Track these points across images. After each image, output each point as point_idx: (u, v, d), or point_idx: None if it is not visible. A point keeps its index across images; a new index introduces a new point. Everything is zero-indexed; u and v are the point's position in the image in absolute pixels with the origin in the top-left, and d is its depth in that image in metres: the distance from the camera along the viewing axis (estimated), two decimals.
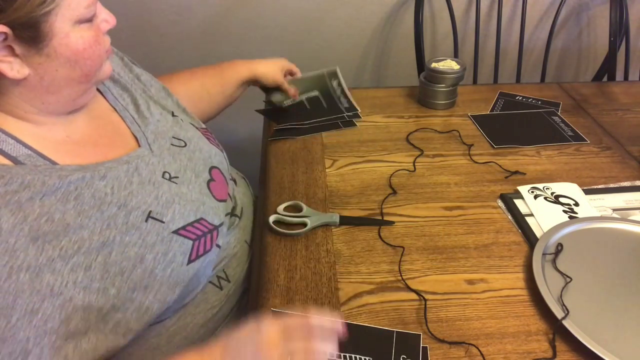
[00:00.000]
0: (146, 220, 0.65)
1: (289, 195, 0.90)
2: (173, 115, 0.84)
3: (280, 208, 0.85)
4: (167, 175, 0.72)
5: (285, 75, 1.14)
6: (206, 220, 0.73)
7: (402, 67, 1.69)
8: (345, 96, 1.08)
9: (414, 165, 0.99)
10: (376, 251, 0.79)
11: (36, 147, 0.61)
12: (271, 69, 1.10)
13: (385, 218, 0.86)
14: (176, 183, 0.72)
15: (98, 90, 0.76)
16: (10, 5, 0.52)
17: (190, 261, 0.69)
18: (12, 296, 0.52)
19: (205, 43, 1.60)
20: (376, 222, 0.85)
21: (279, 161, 1.00)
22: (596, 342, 0.63)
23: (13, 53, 0.56)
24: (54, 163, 0.61)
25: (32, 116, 0.62)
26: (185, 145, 0.80)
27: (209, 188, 0.78)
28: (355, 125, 1.07)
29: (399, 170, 0.98)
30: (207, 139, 0.87)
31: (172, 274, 0.66)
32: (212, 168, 0.82)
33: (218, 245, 0.75)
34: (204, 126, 0.90)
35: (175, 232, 0.68)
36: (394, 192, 0.92)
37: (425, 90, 1.18)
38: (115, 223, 0.62)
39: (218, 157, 0.85)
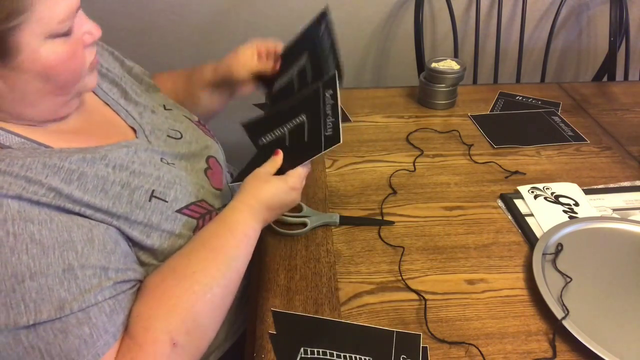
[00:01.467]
0: (150, 200, 0.66)
1: None
2: (165, 108, 0.84)
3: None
4: (165, 160, 0.73)
5: (265, 57, 0.94)
6: (206, 202, 0.75)
7: (402, 67, 1.69)
8: (334, 114, 0.78)
9: (414, 165, 0.99)
10: (376, 251, 0.79)
11: (28, 136, 0.61)
12: (240, 59, 0.94)
13: (385, 218, 0.86)
14: (174, 167, 0.74)
15: None
16: None
17: None
18: (66, 231, 0.55)
19: (205, 43, 1.60)
20: (376, 222, 0.85)
21: None
22: (596, 342, 0.63)
23: None
24: (49, 147, 0.61)
25: (16, 121, 0.62)
26: (182, 136, 0.80)
27: (206, 175, 0.79)
28: (339, 141, 0.75)
29: (399, 170, 0.98)
30: (202, 130, 0.87)
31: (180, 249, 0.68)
32: (209, 157, 0.83)
33: None
34: (196, 118, 0.91)
35: (179, 211, 0.69)
36: (394, 192, 0.92)
37: (425, 90, 1.18)
38: (120, 202, 0.63)
39: (214, 147, 0.86)
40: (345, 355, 0.63)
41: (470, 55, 1.51)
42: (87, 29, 0.63)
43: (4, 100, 0.59)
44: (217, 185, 0.80)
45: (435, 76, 1.15)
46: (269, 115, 0.86)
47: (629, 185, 0.93)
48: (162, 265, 0.64)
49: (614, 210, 0.87)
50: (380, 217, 0.86)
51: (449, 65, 1.17)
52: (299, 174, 0.74)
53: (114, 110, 0.76)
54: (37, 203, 0.54)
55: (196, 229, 0.71)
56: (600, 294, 0.71)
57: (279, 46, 0.93)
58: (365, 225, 0.84)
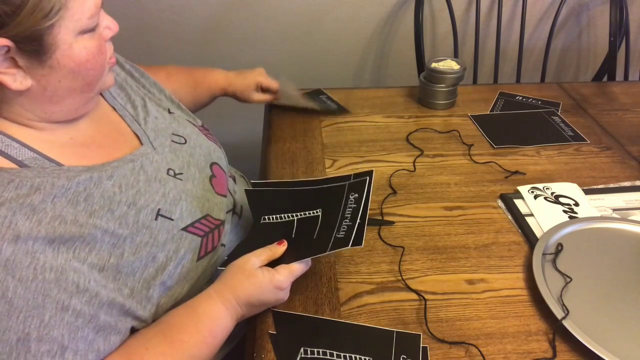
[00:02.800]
0: (156, 219, 0.65)
1: None
2: (169, 112, 0.84)
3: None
4: (171, 172, 0.72)
5: (261, 89, 1.09)
6: (211, 217, 0.74)
7: (402, 67, 1.69)
8: (352, 218, 0.70)
9: (414, 165, 0.99)
10: (376, 251, 0.79)
11: (41, 149, 0.61)
12: (245, 87, 1.06)
13: (385, 218, 0.86)
14: (181, 179, 0.73)
15: None
16: (12, 19, 0.52)
17: (199, 258, 0.70)
18: (42, 295, 0.52)
19: (205, 43, 1.60)
20: (376, 222, 0.85)
21: (279, 161, 1.00)
22: (596, 342, 0.63)
23: (16, 65, 0.56)
24: (59, 165, 0.61)
25: (35, 123, 0.62)
26: (185, 142, 0.80)
27: (211, 184, 0.78)
28: (348, 245, 0.67)
29: (399, 170, 0.98)
30: (205, 135, 0.87)
31: (182, 271, 0.67)
32: (212, 164, 0.82)
33: (223, 245, 0.76)
34: (200, 122, 0.90)
35: (184, 229, 0.68)
36: (394, 192, 0.92)
37: (425, 90, 1.18)
38: (127, 222, 0.62)
39: (217, 153, 0.85)
40: (345, 355, 0.63)
41: (470, 55, 1.51)
42: (107, 23, 0.64)
43: (34, 101, 0.60)
44: (221, 192, 0.79)
45: (435, 76, 1.15)
46: (280, 190, 0.78)
47: (629, 185, 0.93)
48: (121, 346, 0.60)
49: (614, 210, 0.87)
50: (380, 217, 0.86)
51: (449, 65, 1.17)
52: (290, 272, 0.67)
53: (120, 116, 0.76)
54: (34, 250, 0.53)
55: (201, 248, 0.70)
56: (600, 294, 0.71)
57: (273, 85, 1.10)
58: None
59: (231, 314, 0.65)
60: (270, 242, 0.70)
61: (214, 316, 0.63)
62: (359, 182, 0.73)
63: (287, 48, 1.63)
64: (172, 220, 0.67)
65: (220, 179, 0.82)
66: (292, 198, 0.75)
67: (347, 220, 0.70)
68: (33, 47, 0.55)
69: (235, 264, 0.67)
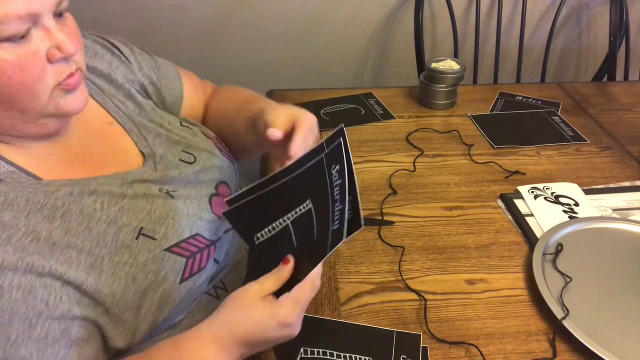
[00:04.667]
0: (137, 238, 0.61)
1: None
2: (182, 124, 0.80)
3: None
4: (164, 190, 0.68)
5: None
6: (202, 236, 0.68)
7: (402, 67, 1.69)
8: (342, 199, 0.60)
9: (414, 165, 0.99)
10: (376, 251, 0.79)
11: (18, 162, 0.58)
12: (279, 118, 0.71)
13: (385, 218, 0.86)
14: (173, 197, 0.68)
15: (95, 100, 0.71)
16: None
17: (182, 280, 0.64)
18: (8, 314, 0.50)
19: (205, 43, 1.60)
20: (376, 222, 0.85)
21: (279, 161, 1.00)
22: (596, 342, 0.63)
23: None
24: (38, 179, 0.58)
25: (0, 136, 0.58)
26: (195, 160, 0.75)
27: (210, 203, 0.73)
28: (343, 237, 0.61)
29: (399, 170, 0.98)
30: (219, 150, 0.82)
31: (163, 294, 0.62)
32: (220, 183, 0.77)
33: (216, 261, 0.71)
34: (213, 134, 0.85)
35: (168, 249, 0.63)
36: (394, 192, 0.92)
37: (425, 90, 1.18)
38: (105, 241, 0.59)
39: (228, 171, 0.80)
40: (345, 355, 0.63)
41: (470, 55, 1.51)
42: (56, 42, 0.55)
43: None
44: (218, 212, 0.72)
45: (435, 76, 1.15)
46: (259, 195, 0.59)
47: (629, 185, 0.93)
48: None
49: (614, 210, 0.87)
50: (380, 217, 0.86)
51: (449, 65, 1.17)
52: (295, 303, 0.55)
53: (126, 130, 0.71)
54: (0, 267, 0.50)
55: (185, 270, 0.64)
56: (600, 294, 0.71)
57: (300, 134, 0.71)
58: (365, 225, 0.84)
59: (225, 356, 0.55)
60: (277, 264, 0.59)
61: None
62: (335, 148, 0.60)
63: (287, 48, 1.63)
64: (155, 239, 0.63)
65: (224, 199, 0.76)
66: (275, 199, 0.60)
67: (338, 204, 0.59)
68: None
69: (235, 293, 0.57)
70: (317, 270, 0.58)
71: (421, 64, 1.45)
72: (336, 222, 0.58)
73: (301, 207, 0.60)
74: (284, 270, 0.58)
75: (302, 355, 0.63)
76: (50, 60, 0.55)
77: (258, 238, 0.60)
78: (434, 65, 1.17)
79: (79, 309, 0.56)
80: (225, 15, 1.55)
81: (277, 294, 0.56)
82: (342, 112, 1.17)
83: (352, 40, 1.63)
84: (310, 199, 0.60)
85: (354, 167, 0.59)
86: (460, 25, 1.59)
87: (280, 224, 0.60)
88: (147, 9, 1.52)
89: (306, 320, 0.67)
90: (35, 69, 0.54)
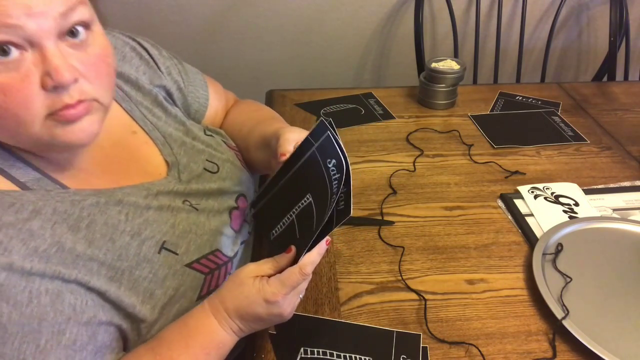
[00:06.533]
0: (159, 252, 0.61)
1: None
2: (206, 132, 0.79)
3: None
4: (187, 202, 0.68)
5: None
6: (221, 252, 0.69)
7: (402, 67, 1.69)
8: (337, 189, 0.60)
9: (414, 165, 0.99)
10: (376, 251, 0.79)
11: (45, 170, 0.58)
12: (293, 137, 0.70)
13: (385, 218, 0.86)
14: (196, 209, 0.68)
15: (121, 106, 0.71)
16: None
17: (200, 297, 0.65)
18: (37, 320, 0.51)
19: (205, 43, 1.60)
20: (376, 222, 0.85)
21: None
22: (596, 342, 0.63)
23: None
24: (65, 187, 0.58)
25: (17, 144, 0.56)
26: (218, 170, 0.75)
27: (230, 216, 0.73)
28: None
29: (399, 170, 0.97)
30: (240, 161, 0.82)
31: (180, 310, 0.62)
32: (239, 195, 0.77)
33: (230, 274, 0.71)
34: (234, 144, 0.84)
35: (189, 265, 0.64)
36: (394, 192, 0.92)
37: (425, 90, 1.18)
38: (127, 254, 0.59)
39: (247, 183, 0.80)
40: (345, 355, 0.63)
41: (470, 55, 1.51)
42: (49, 69, 0.49)
43: None
44: (235, 227, 0.74)
45: (435, 76, 1.15)
46: (272, 195, 0.70)
47: (629, 185, 0.93)
48: None
49: (614, 210, 0.87)
50: (380, 217, 0.86)
51: (449, 65, 1.17)
52: (281, 284, 0.57)
53: (151, 138, 0.71)
54: (29, 273, 0.50)
55: (203, 287, 0.65)
56: (600, 294, 0.71)
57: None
58: (365, 225, 0.84)
59: (224, 328, 0.59)
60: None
61: (206, 331, 0.58)
62: (325, 142, 0.62)
63: (287, 48, 1.63)
64: (177, 254, 0.63)
65: (242, 212, 0.76)
66: (283, 196, 0.68)
67: (336, 196, 0.60)
68: None
69: (234, 272, 0.61)
70: (310, 258, 0.58)
71: (421, 64, 1.45)
72: (329, 214, 0.59)
73: (303, 201, 0.64)
74: (283, 258, 0.60)
75: (302, 355, 0.63)
76: (43, 87, 0.50)
77: (273, 234, 0.68)
78: (434, 65, 1.17)
79: (104, 313, 0.56)
80: (225, 15, 1.55)
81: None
82: (342, 112, 1.17)
83: (352, 40, 1.63)
84: (310, 194, 0.63)
85: (348, 159, 0.60)
86: (460, 25, 1.59)
87: (288, 219, 0.66)
88: (147, 9, 1.52)
89: (306, 320, 0.68)
90: (20, 94, 0.49)
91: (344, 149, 0.60)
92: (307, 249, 0.59)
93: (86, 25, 0.53)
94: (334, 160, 0.61)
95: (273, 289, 0.57)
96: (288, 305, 0.59)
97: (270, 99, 1.22)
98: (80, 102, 0.53)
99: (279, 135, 0.69)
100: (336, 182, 0.60)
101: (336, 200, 0.59)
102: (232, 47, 1.62)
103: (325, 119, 0.62)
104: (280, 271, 0.59)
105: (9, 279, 0.49)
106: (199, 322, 0.59)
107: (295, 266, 0.58)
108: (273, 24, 1.57)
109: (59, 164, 0.60)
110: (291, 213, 0.66)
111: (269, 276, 0.59)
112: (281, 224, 0.67)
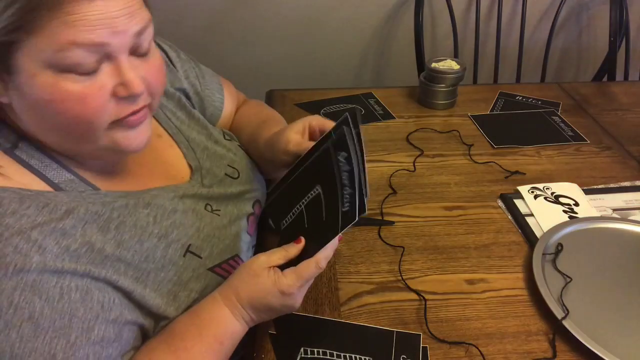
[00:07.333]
0: (184, 255, 0.63)
1: None
2: (225, 137, 0.80)
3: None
4: (209, 207, 0.69)
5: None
6: (240, 257, 0.71)
7: (402, 67, 1.69)
8: (351, 183, 0.60)
9: (414, 165, 0.99)
10: (376, 251, 0.79)
11: (78, 172, 0.59)
12: (286, 133, 0.73)
13: (385, 218, 0.86)
14: (218, 215, 0.70)
15: None
16: None
17: None
18: (68, 315, 0.52)
19: (205, 43, 1.60)
20: (376, 222, 0.85)
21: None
22: (596, 342, 0.63)
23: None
24: (96, 189, 0.60)
25: (54, 147, 0.58)
26: (239, 176, 0.76)
27: (247, 222, 0.75)
28: (355, 219, 0.59)
29: (399, 170, 0.97)
30: (256, 165, 0.83)
31: None
32: (256, 202, 0.79)
33: None
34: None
35: (211, 269, 0.65)
36: (394, 192, 0.92)
37: (425, 90, 1.18)
38: (154, 256, 0.60)
39: (261, 190, 0.82)
40: (345, 355, 0.63)
41: (470, 55, 1.51)
42: (124, 80, 0.54)
43: (24, 123, 0.55)
44: (251, 232, 0.76)
45: (435, 76, 1.15)
46: (285, 187, 0.72)
47: (629, 185, 0.93)
48: None
49: (614, 210, 0.87)
50: (380, 217, 0.86)
51: (449, 65, 1.17)
52: (297, 277, 0.59)
53: (175, 141, 0.72)
54: (60, 271, 0.52)
55: None
56: (600, 294, 0.71)
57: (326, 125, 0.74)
58: (365, 225, 0.84)
59: (237, 317, 0.60)
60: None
61: (218, 321, 0.60)
62: (341, 135, 0.63)
63: (287, 48, 1.63)
64: (201, 258, 0.65)
65: (257, 218, 0.78)
66: (294, 188, 0.69)
67: (348, 188, 0.61)
68: (1, 60, 0.50)
69: (245, 263, 0.63)
70: (325, 252, 0.60)
71: (421, 64, 1.45)
72: (346, 205, 0.60)
73: (312, 192, 0.65)
74: (293, 248, 0.62)
75: (302, 355, 0.63)
76: (115, 96, 0.54)
77: (283, 224, 0.69)
78: (434, 65, 1.17)
79: (129, 312, 0.57)
80: (225, 15, 1.55)
81: (282, 268, 0.60)
82: (342, 112, 1.17)
83: (352, 40, 1.63)
84: (319, 185, 0.65)
85: (365, 154, 0.61)
86: (460, 25, 1.59)
87: (297, 209, 0.67)
88: None
89: (306, 320, 0.68)
90: (96, 103, 0.53)
91: (362, 144, 0.61)
92: (328, 242, 0.60)
93: (148, 49, 0.57)
94: (344, 153, 0.62)
95: (289, 281, 0.59)
96: (301, 297, 0.61)
97: (270, 99, 1.22)
98: (144, 107, 0.58)
99: (282, 134, 0.72)
100: (346, 173, 0.61)
101: (350, 192, 0.60)
102: (232, 47, 1.62)
103: (350, 113, 0.64)
104: (289, 260, 0.61)
105: (41, 275, 0.51)
106: (212, 313, 0.60)
107: (311, 259, 0.59)
108: (273, 24, 1.57)
109: (92, 167, 0.61)
110: (300, 203, 0.67)
111: (280, 266, 0.61)
112: (291, 214, 0.68)
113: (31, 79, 0.50)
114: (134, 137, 0.58)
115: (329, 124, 0.71)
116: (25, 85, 0.51)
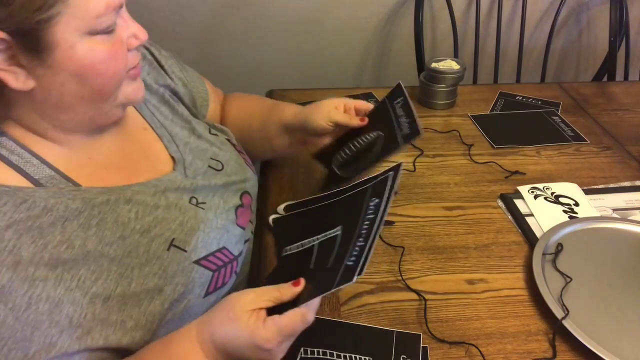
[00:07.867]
0: (168, 249, 0.62)
1: (289, 195, 0.90)
2: (210, 132, 0.80)
3: (280, 208, 0.85)
4: (194, 201, 0.69)
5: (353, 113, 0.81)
6: (227, 250, 0.70)
7: (402, 67, 1.69)
8: (366, 236, 0.55)
9: (414, 165, 0.99)
10: (376, 251, 0.79)
11: (60, 167, 0.59)
12: (322, 108, 0.79)
13: (385, 218, 0.86)
14: (203, 209, 0.69)
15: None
16: (5, 11, 0.48)
17: (207, 294, 0.66)
18: (31, 328, 0.50)
19: (205, 43, 1.60)
20: None
21: (279, 161, 1.00)
22: (596, 342, 0.63)
23: (18, 63, 0.52)
24: (77, 185, 0.59)
25: (52, 133, 0.59)
26: (223, 168, 0.76)
27: (235, 214, 0.74)
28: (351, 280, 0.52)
29: None
30: (243, 159, 0.83)
31: (187, 306, 0.63)
32: (244, 193, 0.78)
33: (235, 272, 0.72)
34: (236, 142, 0.86)
35: (197, 262, 0.65)
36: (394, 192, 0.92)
37: (425, 90, 1.18)
38: (137, 251, 0.60)
39: (251, 182, 0.82)
40: (345, 356, 0.63)
41: (470, 55, 1.51)
42: (133, 31, 0.59)
43: (42, 105, 0.56)
44: (242, 224, 0.75)
45: (435, 76, 1.15)
46: (305, 211, 0.67)
47: (629, 185, 0.93)
48: None
49: (614, 210, 0.87)
50: None
51: (449, 65, 1.17)
52: (279, 330, 0.52)
53: (157, 135, 0.73)
54: (32, 279, 0.50)
55: (210, 284, 0.66)
56: (600, 294, 0.71)
57: (369, 106, 0.80)
58: None
59: (208, 358, 0.54)
60: (290, 280, 0.56)
61: (187, 359, 0.54)
62: (382, 180, 0.59)
63: (287, 48, 1.63)
64: (185, 251, 0.64)
65: (247, 209, 0.78)
66: (315, 217, 0.63)
67: (361, 240, 0.55)
68: (31, 43, 0.51)
69: (231, 296, 0.55)
70: (314, 304, 0.54)
71: (421, 64, 1.45)
72: (352, 259, 0.53)
73: (332, 231, 0.60)
74: (287, 292, 0.55)
75: (302, 355, 0.63)
76: (129, 47, 0.59)
77: (286, 251, 0.65)
78: (434, 65, 1.17)
79: (104, 328, 0.55)
80: (225, 15, 1.55)
81: (270, 310, 0.54)
82: None
83: (352, 40, 1.63)
84: (342, 225, 0.59)
85: (387, 205, 0.56)
86: (460, 25, 1.59)
87: (310, 242, 0.62)
88: (147, 8, 1.52)
89: None
90: (123, 56, 0.58)
91: (390, 200, 0.56)
92: (322, 294, 0.53)
93: None
94: (376, 199, 0.57)
95: (269, 334, 0.52)
96: (281, 352, 0.54)
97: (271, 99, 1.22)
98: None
99: (307, 123, 0.79)
100: (367, 222, 0.56)
101: (361, 245, 0.54)
102: (232, 47, 1.62)
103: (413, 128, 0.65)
104: (281, 304, 0.54)
105: (11, 282, 0.50)
106: (181, 349, 0.55)
107: (297, 312, 0.52)
108: (273, 24, 1.57)
109: (77, 161, 0.61)
110: (315, 238, 0.61)
111: (268, 309, 0.54)
112: (300, 244, 0.62)
113: (70, 49, 0.53)
114: (139, 88, 0.64)
115: (366, 106, 0.79)
116: (64, 59, 0.53)
